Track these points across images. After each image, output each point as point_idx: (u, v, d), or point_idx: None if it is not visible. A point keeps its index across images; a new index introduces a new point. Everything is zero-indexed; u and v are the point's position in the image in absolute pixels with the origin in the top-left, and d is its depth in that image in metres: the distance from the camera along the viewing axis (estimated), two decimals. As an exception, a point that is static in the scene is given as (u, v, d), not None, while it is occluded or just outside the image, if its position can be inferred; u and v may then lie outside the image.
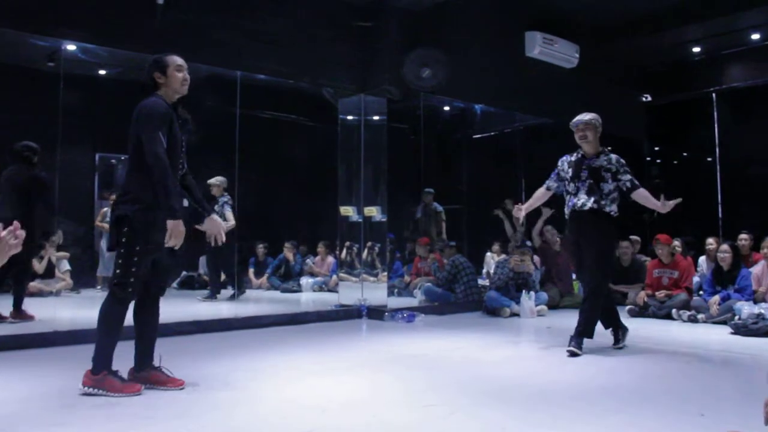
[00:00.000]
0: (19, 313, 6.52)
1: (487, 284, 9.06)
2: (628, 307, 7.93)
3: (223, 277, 10.53)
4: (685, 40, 10.52)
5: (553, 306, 8.25)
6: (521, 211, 5.65)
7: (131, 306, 3.90)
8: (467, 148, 12.80)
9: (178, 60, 3.99)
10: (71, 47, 6.95)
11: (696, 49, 10.87)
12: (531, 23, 9.41)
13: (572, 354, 5.07)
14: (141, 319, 3.97)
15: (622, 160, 5.35)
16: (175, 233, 3.76)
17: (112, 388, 3.70)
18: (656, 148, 12.52)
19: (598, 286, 5.29)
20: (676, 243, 8.37)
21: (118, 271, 3.76)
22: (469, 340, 6.10)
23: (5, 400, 3.68)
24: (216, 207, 8.75)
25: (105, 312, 3.77)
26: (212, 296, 8.84)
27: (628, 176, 5.29)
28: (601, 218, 5.19)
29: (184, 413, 3.43)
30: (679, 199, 5.20)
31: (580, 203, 5.18)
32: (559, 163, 5.51)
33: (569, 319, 5.45)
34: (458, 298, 8.64)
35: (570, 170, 5.37)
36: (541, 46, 9.33)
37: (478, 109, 11.19)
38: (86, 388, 3.71)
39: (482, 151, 12.54)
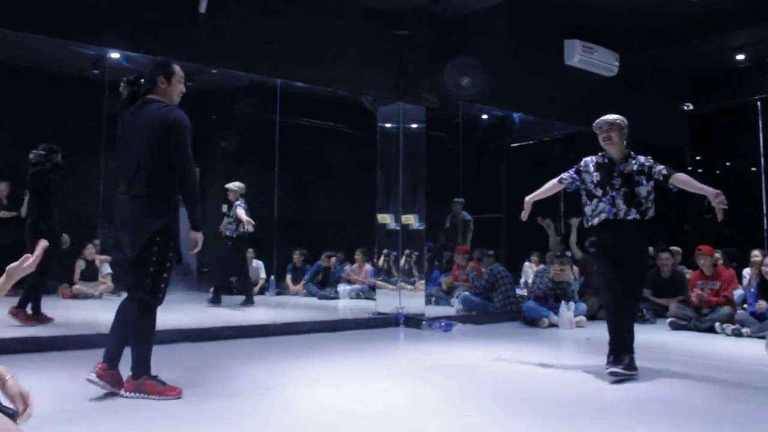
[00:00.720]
0: (19, 311, 6.23)
1: (525, 294, 8.98)
2: (669, 320, 7.78)
3: (260, 283, 10.63)
4: (729, 47, 10.33)
5: (590, 316, 8.14)
6: (529, 206, 5.34)
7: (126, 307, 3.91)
8: (505, 156, 12.74)
9: (181, 72, 4.07)
10: (115, 55, 7.09)
11: (740, 57, 10.68)
12: (570, 31, 9.35)
13: (614, 374, 4.64)
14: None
15: (650, 158, 5.09)
16: (200, 245, 3.95)
17: (153, 391, 3.75)
18: (698, 158, 12.30)
19: (635, 297, 5.18)
20: (717, 254, 8.20)
21: (149, 279, 3.76)
22: (507, 350, 6.03)
23: (45, 398, 3.74)
24: (231, 212, 8.91)
25: (138, 322, 3.79)
26: (248, 302, 8.91)
27: (660, 166, 5.00)
28: (644, 229, 5.05)
29: (222, 416, 3.46)
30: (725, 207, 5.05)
31: (621, 213, 4.99)
32: (582, 163, 5.22)
33: (609, 331, 5.35)
34: (496, 308, 8.57)
35: (596, 174, 5.09)
36: (580, 55, 9.26)
37: (517, 117, 11.13)
38: (128, 393, 3.77)
39: (520, 160, 12.46)
